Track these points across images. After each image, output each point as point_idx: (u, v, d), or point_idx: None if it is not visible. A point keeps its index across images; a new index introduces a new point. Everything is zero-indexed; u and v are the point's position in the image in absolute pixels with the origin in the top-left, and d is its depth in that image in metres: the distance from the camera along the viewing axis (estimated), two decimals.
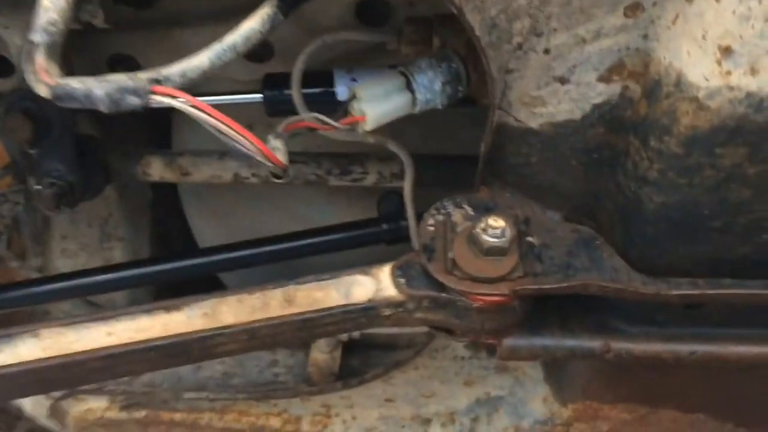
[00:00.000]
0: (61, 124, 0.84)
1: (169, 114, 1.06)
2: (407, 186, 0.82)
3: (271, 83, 0.86)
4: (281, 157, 0.59)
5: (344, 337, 1.07)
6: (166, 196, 1.24)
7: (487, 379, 1.00)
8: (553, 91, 0.63)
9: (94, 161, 0.91)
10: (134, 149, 0.95)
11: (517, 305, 0.70)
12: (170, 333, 0.69)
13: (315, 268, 1.10)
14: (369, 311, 0.70)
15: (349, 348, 1.11)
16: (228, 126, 0.54)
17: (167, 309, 0.69)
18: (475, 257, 0.68)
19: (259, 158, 0.57)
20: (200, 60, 0.55)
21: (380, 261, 0.73)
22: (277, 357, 1.13)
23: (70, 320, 0.69)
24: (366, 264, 0.71)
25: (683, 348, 0.74)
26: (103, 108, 0.52)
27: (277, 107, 0.85)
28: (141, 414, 1.06)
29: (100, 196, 1.18)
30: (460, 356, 0.97)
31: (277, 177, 0.62)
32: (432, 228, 0.72)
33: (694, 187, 0.61)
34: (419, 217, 0.88)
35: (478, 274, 0.68)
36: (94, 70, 0.54)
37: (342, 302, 0.70)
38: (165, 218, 1.26)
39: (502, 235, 0.68)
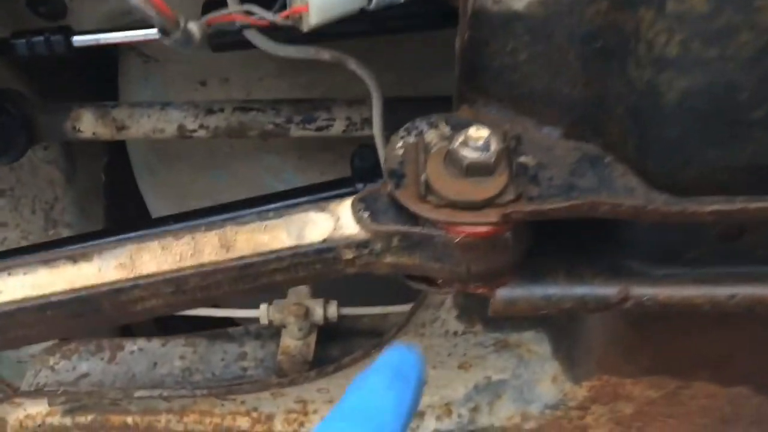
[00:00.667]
0: None
1: (114, 65, 0.94)
2: (376, 118, 0.69)
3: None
4: (195, 33, 0.46)
5: (319, 319, 0.93)
6: (124, 179, 1.11)
7: (486, 360, 0.85)
8: None
9: (14, 117, 0.78)
10: (63, 103, 0.82)
11: (510, 239, 0.56)
12: (72, 285, 0.55)
13: None
14: (325, 254, 0.56)
15: (326, 335, 0.97)
16: None
17: (73, 259, 0.56)
18: (454, 178, 0.55)
19: (143, 7, 0.44)
20: None
21: None
22: (245, 349, 0.99)
23: None
24: None
25: (720, 291, 0.59)
26: None
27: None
28: (87, 418, 0.92)
29: (46, 180, 1.06)
30: (452, 332, 0.83)
31: (165, 33, 0.48)
32: (401, 151, 0.58)
33: (727, 61, 0.48)
34: None
35: (459, 197, 0.54)
36: None
37: (291, 243, 0.57)
38: (122, 204, 1.13)
39: (486, 147, 0.54)
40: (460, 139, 0.55)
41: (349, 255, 0.57)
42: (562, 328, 0.78)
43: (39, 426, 0.93)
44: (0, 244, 1.06)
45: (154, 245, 0.56)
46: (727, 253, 0.59)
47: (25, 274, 0.55)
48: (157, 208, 1.09)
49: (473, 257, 0.56)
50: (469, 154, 0.54)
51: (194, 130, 0.81)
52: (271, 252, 0.56)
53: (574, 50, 0.55)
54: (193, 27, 0.48)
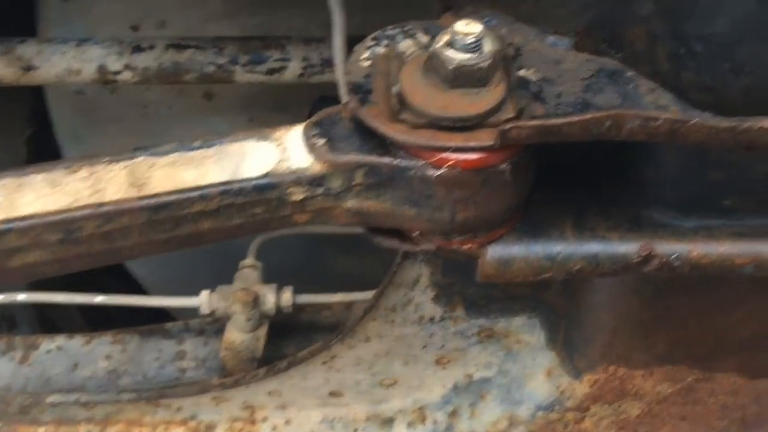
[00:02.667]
0: None
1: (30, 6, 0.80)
2: (337, 41, 0.56)
3: None
4: None
5: (271, 309, 0.79)
6: (49, 153, 0.96)
7: (468, 354, 0.72)
8: None
9: None
10: None
11: (508, 172, 0.43)
12: None
13: None
14: (266, 192, 0.43)
15: (281, 330, 0.83)
16: None
17: None
18: (437, 90, 0.42)
19: None
20: None
21: None
22: (184, 347, 0.84)
23: None
24: None
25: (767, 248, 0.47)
26: None
27: None
28: None
29: None
30: (427, 317, 0.69)
31: None
32: (367, 63, 0.45)
33: None
34: None
35: (443, 113, 0.41)
36: None
37: (221, 179, 0.43)
38: None
39: (477, 47, 0.41)
40: (445, 38, 0.42)
41: (298, 195, 0.43)
42: (558, 310, 0.65)
43: None
44: None
45: (39, 180, 0.43)
46: None
47: None
48: None
49: (460, 198, 0.43)
50: (457, 56, 0.41)
51: (118, 72, 0.67)
52: (194, 189, 0.42)
53: None
54: None
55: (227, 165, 0.44)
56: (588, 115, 0.40)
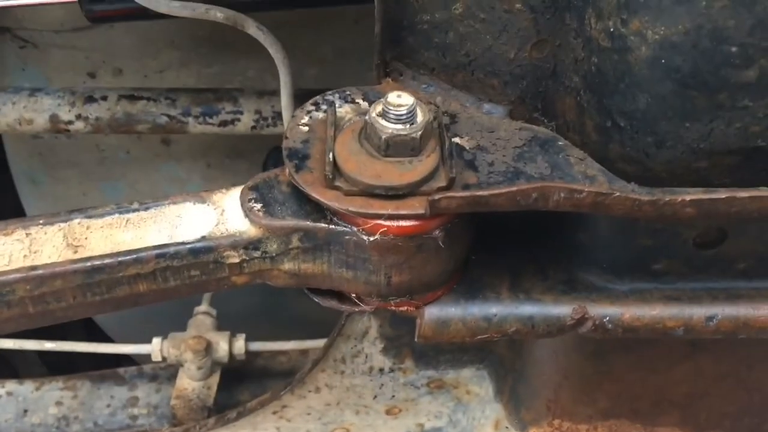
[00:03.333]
0: None
1: None
2: (284, 93, 0.57)
3: None
4: None
5: (224, 356, 0.79)
6: (3, 188, 0.96)
7: (418, 404, 0.72)
8: None
9: None
10: None
11: (441, 238, 0.44)
12: None
13: None
14: (203, 255, 0.43)
15: (233, 377, 0.83)
16: None
17: None
18: (371, 158, 0.43)
19: None
20: None
21: None
22: (136, 393, 0.83)
23: None
24: None
25: (698, 311, 0.48)
26: None
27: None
28: None
29: None
30: (377, 368, 0.70)
31: None
32: (305, 128, 0.46)
33: (714, 2, 0.37)
34: None
35: (376, 182, 0.42)
36: None
37: (159, 242, 0.44)
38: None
39: (411, 118, 0.42)
40: (378, 108, 0.43)
41: (234, 258, 0.44)
42: (505, 363, 0.66)
43: None
44: None
45: None
46: (705, 265, 0.48)
47: None
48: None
49: (394, 263, 0.44)
50: (390, 126, 0.42)
51: (70, 122, 0.67)
52: (130, 252, 0.42)
53: (521, 1, 0.44)
54: None
55: (165, 227, 0.45)
56: (514, 188, 0.41)
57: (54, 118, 0.67)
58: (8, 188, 0.92)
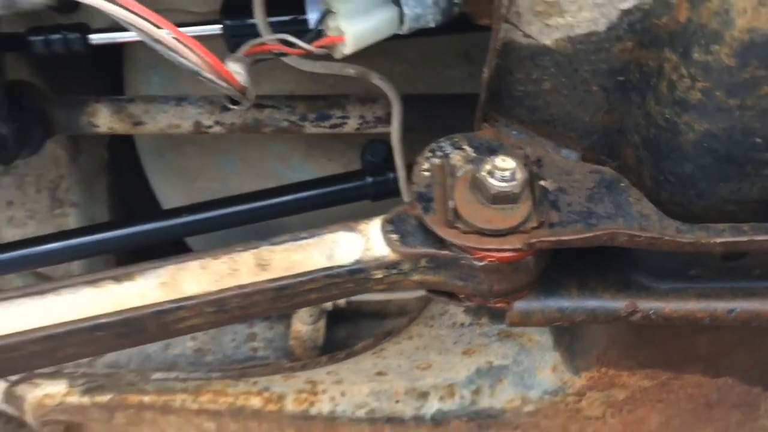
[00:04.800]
0: None
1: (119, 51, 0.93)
2: (395, 128, 0.71)
3: (231, 11, 0.73)
4: (241, 80, 0.48)
5: (329, 306, 0.97)
6: (126, 156, 1.12)
7: (489, 348, 0.90)
8: None
9: (31, 112, 0.78)
10: (78, 97, 0.83)
11: (532, 262, 0.59)
12: (121, 308, 0.58)
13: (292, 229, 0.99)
14: (357, 274, 0.60)
15: (334, 318, 1.01)
16: (175, 38, 0.42)
17: (117, 279, 0.58)
18: (481, 206, 0.58)
19: (211, 78, 0.46)
20: None
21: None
22: (255, 330, 1.02)
23: (2, 296, 0.57)
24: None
25: (721, 306, 0.64)
26: None
27: (240, 40, 0.72)
28: (105, 398, 0.95)
29: (50, 158, 1.06)
30: (459, 323, 0.87)
31: (235, 103, 0.51)
32: (427, 173, 0.61)
33: (747, 110, 0.51)
34: (409, 167, 0.77)
35: (486, 225, 0.57)
36: None
37: (325, 264, 0.60)
38: (126, 182, 1.14)
39: (512, 178, 0.57)
40: (487, 168, 0.57)
41: (378, 275, 0.60)
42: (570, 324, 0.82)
43: (58, 405, 0.96)
44: (8, 222, 1.06)
45: (194, 265, 0.59)
46: (728, 271, 0.63)
47: (71, 293, 0.58)
48: (163, 189, 1.10)
49: (496, 278, 0.60)
50: (496, 184, 0.57)
51: (210, 126, 0.82)
52: (307, 273, 0.59)
53: (597, 82, 0.57)
54: (237, 68, 0.49)
55: (324, 251, 0.61)
56: (590, 234, 0.56)
57: (197, 124, 0.82)
58: (133, 154, 1.08)
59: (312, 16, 0.71)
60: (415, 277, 0.61)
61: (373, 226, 0.61)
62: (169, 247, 1.07)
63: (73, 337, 0.56)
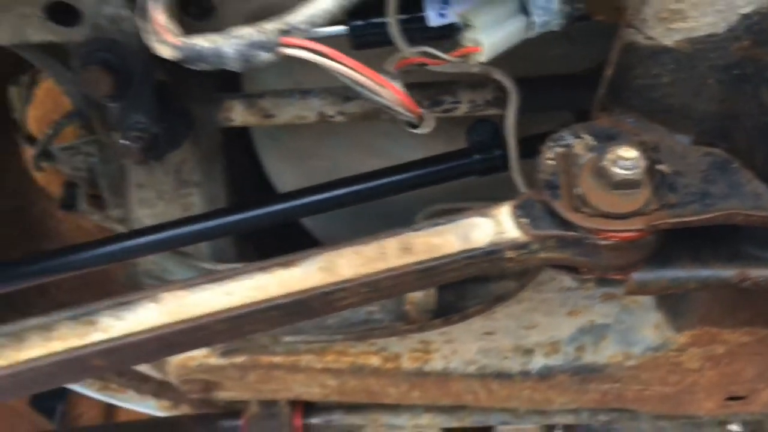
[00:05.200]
0: (141, 74, 0.81)
1: None
2: (510, 114, 0.77)
3: (357, 12, 0.79)
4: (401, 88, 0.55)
5: None
6: (240, 138, 1.20)
7: (593, 308, 0.97)
8: (697, 3, 0.56)
9: (176, 110, 0.87)
10: (214, 95, 0.91)
11: (650, 239, 0.66)
12: (288, 289, 0.67)
13: (400, 206, 1.07)
14: (492, 255, 0.67)
15: (445, 285, 1.09)
16: (367, 76, 0.49)
17: (283, 265, 0.67)
18: (605, 192, 0.64)
19: (397, 109, 0.53)
20: (326, 2, 0.50)
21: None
22: None
23: (188, 283, 0.67)
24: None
25: None
26: (233, 66, 0.48)
27: (365, 39, 0.78)
28: (240, 359, 1.07)
29: None
30: (565, 287, 0.94)
31: (414, 126, 0.58)
32: (552, 162, 0.67)
33: None
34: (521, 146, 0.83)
35: (611, 209, 0.63)
36: None
37: (462, 247, 0.67)
38: (237, 162, 1.23)
39: (635, 166, 0.63)
40: (611, 157, 0.63)
41: (511, 255, 0.67)
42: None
43: (198, 366, 1.08)
44: (139, 203, 1.17)
45: (348, 251, 0.67)
46: None
47: (247, 278, 0.67)
48: (276, 169, 1.19)
49: (616, 254, 0.66)
50: (620, 172, 0.63)
51: (333, 116, 0.89)
52: (449, 255, 0.66)
53: (713, 76, 0.62)
54: (398, 85, 0.56)
55: (460, 233, 0.68)
56: (711, 215, 0.62)
57: (321, 115, 0.89)
58: (245, 135, 1.16)
59: (431, 14, 0.77)
60: (542, 255, 0.68)
61: (504, 212, 0.68)
62: (284, 228, 1.16)
63: (252, 317, 0.66)
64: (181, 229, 1.01)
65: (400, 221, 1.04)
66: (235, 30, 0.48)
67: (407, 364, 1.05)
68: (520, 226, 0.67)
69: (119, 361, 0.65)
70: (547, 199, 0.66)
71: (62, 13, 0.84)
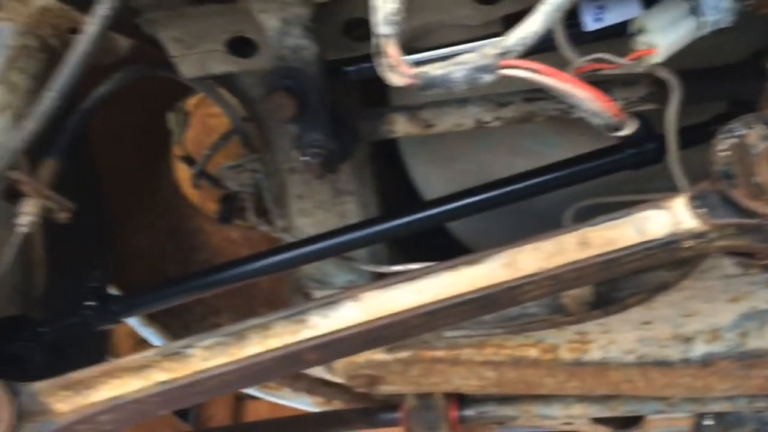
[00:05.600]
0: (317, 97, 0.89)
1: None
2: (672, 109, 0.79)
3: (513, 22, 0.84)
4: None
5: None
6: (387, 144, 1.27)
7: (756, 294, 0.97)
8: None
9: (346, 126, 0.95)
10: (377, 109, 0.98)
11: None
12: (475, 285, 0.72)
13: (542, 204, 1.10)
14: (670, 245, 0.70)
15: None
16: (582, 90, 0.54)
17: (469, 263, 0.73)
18: None
19: (601, 115, 0.58)
20: (534, 25, 0.55)
21: None
22: None
23: (383, 283, 0.74)
24: None
25: None
26: (457, 88, 0.54)
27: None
28: (404, 354, 1.13)
29: None
30: (728, 275, 0.95)
31: (615, 129, 0.62)
32: (726, 153, 0.69)
33: None
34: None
35: None
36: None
37: (640, 239, 0.70)
38: (389, 169, 1.30)
39: None
40: None
41: (689, 244, 0.70)
42: None
43: (365, 362, 1.15)
44: (299, 213, 1.26)
45: (529, 248, 0.72)
46: None
47: (435, 277, 0.73)
48: (422, 174, 1.25)
49: None
50: None
51: (489, 122, 0.95)
52: (629, 248, 0.70)
53: None
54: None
55: (637, 227, 0.71)
56: None
57: (478, 121, 0.95)
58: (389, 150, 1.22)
59: (587, 19, 0.81)
60: (720, 243, 0.70)
61: (678, 203, 0.71)
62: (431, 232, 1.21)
63: (444, 311, 0.72)
64: (342, 237, 1.08)
65: (544, 219, 1.08)
66: (460, 57, 0.54)
67: (565, 354, 1.08)
68: (697, 216, 0.69)
69: (329, 355, 0.72)
70: (724, 188, 0.68)
71: (241, 46, 0.94)
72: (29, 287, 1.35)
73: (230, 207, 1.57)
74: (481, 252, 0.73)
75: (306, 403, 1.60)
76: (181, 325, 1.70)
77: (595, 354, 1.07)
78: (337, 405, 1.60)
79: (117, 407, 0.72)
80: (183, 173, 1.75)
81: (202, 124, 1.77)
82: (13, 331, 1.10)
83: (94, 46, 0.70)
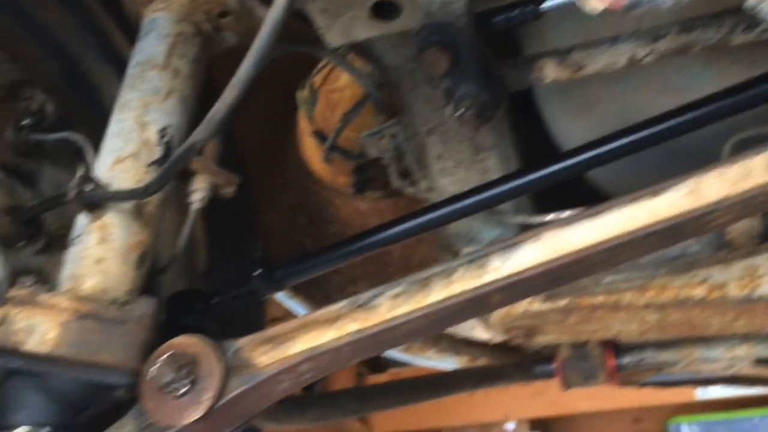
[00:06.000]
0: (468, 49, 0.89)
1: None
2: None
3: None
4: None
5: None
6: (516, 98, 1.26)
7: None
8: None
9: (495, 76, 0.95)
10: (524, 57, 0.98)
11: None
12: (659, 217, 0.71)
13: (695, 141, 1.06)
14: None
15: None
16: None
17: (651, 195, 0.72)
18: None
19: None
20: None
21: None
22: None
23: (563, 221, 0.74)
24: None
25: None
26: (664, 6, 0.53)
27: None
28: (562, 303, 1.13)
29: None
30: None
31: None
32: None
33: None
34: None
35: None
36: None
37: None
38: (525, 118, 1.28)
39: None
40: None
41: None
42: None
43: (522, 313, 1.16)
44: (440, 173, 1.27)
45: (712, 175, 0.71)
46: None
47: (616, 211, 0.73)
48: (561, 121, 1.23)
49: None
50: None
51: (643, 58, 0.92)
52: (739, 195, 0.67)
53: None
54: None
55: None
56: None
57: (631, 58, 0.93)
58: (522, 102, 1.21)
59: None
60: None
61: None
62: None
63: (628, 245, 0.72)
64: (486, 192, 1.08)
65: (694, 157, 1.03)
66: None
67: (734, 291, 1.05)
68: None
69: (514, 295, 0.74)
70: None
71: (384, 10, 0.95)
72: (193, 265, 1.44)
73: (363, 178, 1.61)
74: (665, 182, 0.72)
75: (452, 363, 1.62)
76: (322, 295, 1.76)
77: (766, 289, 1.03)
78: (483, 363, 1.62)
79: (314, 357, 0.76)
80: (311, 149, 1.80)
81: (326, 99, 1.81)
82: (189, 304, 1.17)
83: (280, 24, 0.74)
